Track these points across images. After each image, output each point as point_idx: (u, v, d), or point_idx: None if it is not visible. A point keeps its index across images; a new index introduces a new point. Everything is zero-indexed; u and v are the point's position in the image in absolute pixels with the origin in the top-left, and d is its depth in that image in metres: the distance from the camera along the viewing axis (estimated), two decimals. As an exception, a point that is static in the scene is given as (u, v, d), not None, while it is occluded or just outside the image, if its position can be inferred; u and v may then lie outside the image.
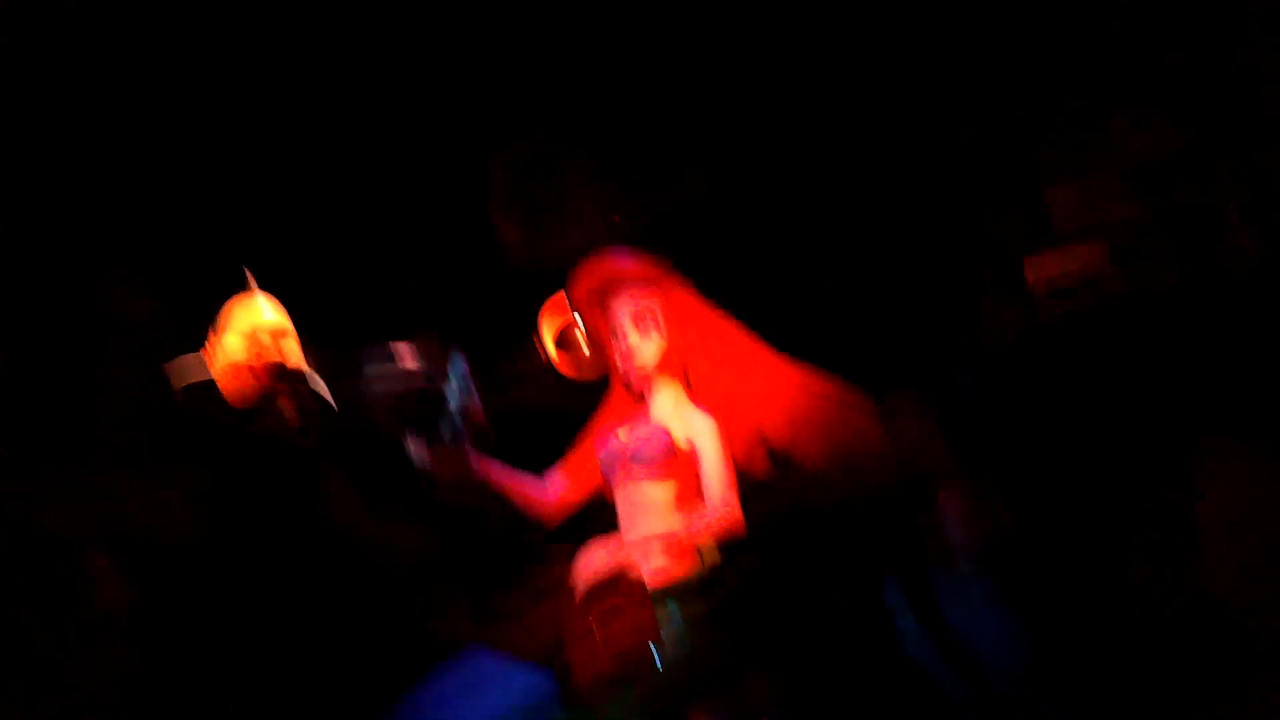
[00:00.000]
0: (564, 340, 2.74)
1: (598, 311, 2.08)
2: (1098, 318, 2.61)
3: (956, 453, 2.44)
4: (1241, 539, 2.17)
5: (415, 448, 1.78)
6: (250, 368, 2.30)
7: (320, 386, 2.46)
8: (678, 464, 1.95)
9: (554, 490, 2.10)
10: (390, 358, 2.23)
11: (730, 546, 1.86)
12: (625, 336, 2.02)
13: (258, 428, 2.35)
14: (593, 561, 1.76)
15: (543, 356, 2.78)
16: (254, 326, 2.35)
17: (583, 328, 2.23)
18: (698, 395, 2.06)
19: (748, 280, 2.46)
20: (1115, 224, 2.70)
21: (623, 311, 2.03)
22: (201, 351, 2.39)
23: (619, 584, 1.73)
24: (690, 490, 1.95)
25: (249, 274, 2.44)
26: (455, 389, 1.86)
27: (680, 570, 1.85)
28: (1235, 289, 2.46)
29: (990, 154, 2.80)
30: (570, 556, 1.88)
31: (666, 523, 1.91)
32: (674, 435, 1.97)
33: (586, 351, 2.67)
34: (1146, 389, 2.38)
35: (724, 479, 1.91)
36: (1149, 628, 2.19)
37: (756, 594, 1.89)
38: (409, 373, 2.14)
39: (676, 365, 2.06)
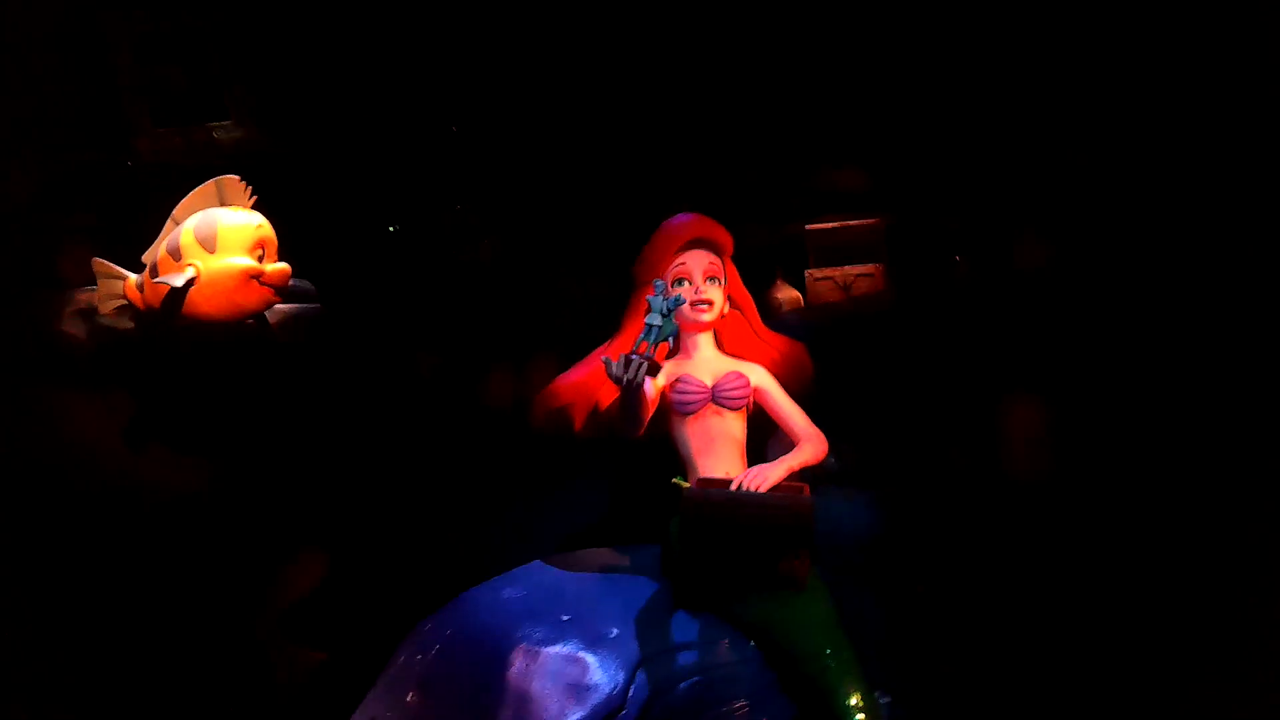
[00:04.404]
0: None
1: (665, 260, 2.30)
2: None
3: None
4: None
5: (629, 366, 1.93)
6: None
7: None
8: (748, 404, 2.32)
9: None
10: None
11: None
12: (699, 286, 2.29)
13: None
14: (766, 476, 2.13)
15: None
16: (260, 236, 2.22)
17: None
18: (729, 349, 2.40)
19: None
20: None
21: (699, 264, 2.30)
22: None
23: (784, 488, 2.15)
24: (748, 424, 2.34)
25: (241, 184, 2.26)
26: (667, 318, 2.00)
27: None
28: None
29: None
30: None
31: (741, 449, 2.29)
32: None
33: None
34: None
35: (803, 413, 2.31)
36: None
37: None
38: None
39: (719, 321, 2.37)
